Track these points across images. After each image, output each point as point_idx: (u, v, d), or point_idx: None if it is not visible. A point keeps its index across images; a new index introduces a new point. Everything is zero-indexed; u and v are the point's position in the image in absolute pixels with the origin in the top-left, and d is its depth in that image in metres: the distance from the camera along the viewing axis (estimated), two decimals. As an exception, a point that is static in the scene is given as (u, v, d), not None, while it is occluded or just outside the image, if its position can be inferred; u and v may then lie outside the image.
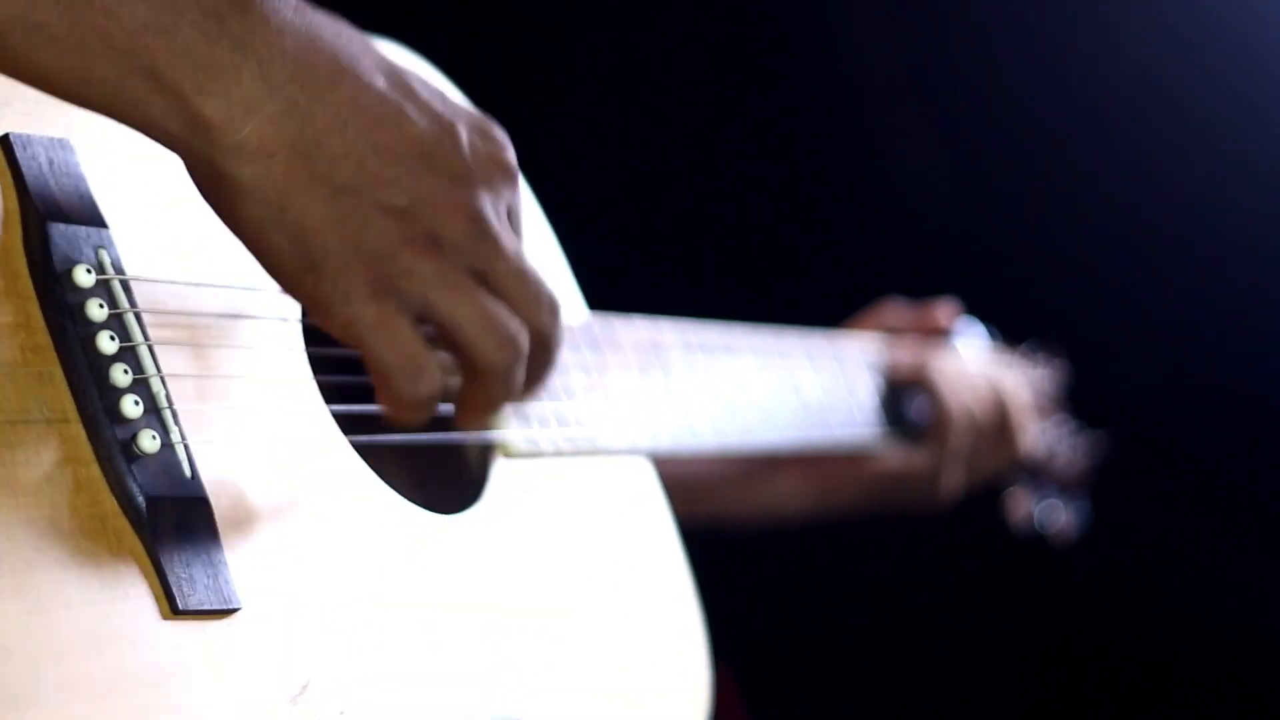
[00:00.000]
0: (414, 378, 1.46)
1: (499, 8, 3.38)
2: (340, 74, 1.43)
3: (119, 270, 1.44)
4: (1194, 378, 3.55)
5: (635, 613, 1.86)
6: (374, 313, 1.44)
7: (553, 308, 1.53)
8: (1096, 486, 2.97)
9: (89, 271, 1.41)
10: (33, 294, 1.39)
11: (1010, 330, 2.90)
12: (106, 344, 1.40)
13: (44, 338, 1.38)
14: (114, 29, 1.35)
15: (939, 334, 2.70)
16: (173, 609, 1.37)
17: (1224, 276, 3.49)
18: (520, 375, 1.53)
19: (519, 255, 1.51)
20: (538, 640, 1.70)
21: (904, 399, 2.56)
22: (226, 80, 1.38)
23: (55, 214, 1.41)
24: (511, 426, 1.77)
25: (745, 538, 2.75)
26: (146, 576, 1.37)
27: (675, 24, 3.50)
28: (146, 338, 1.43)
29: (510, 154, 1.53)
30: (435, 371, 1.47)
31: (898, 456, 2.56)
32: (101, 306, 1.41)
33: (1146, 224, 3.52)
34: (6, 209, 1.40)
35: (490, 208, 1.49)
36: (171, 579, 1.38)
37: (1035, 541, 2.94)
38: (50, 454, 1.35)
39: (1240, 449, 3.51)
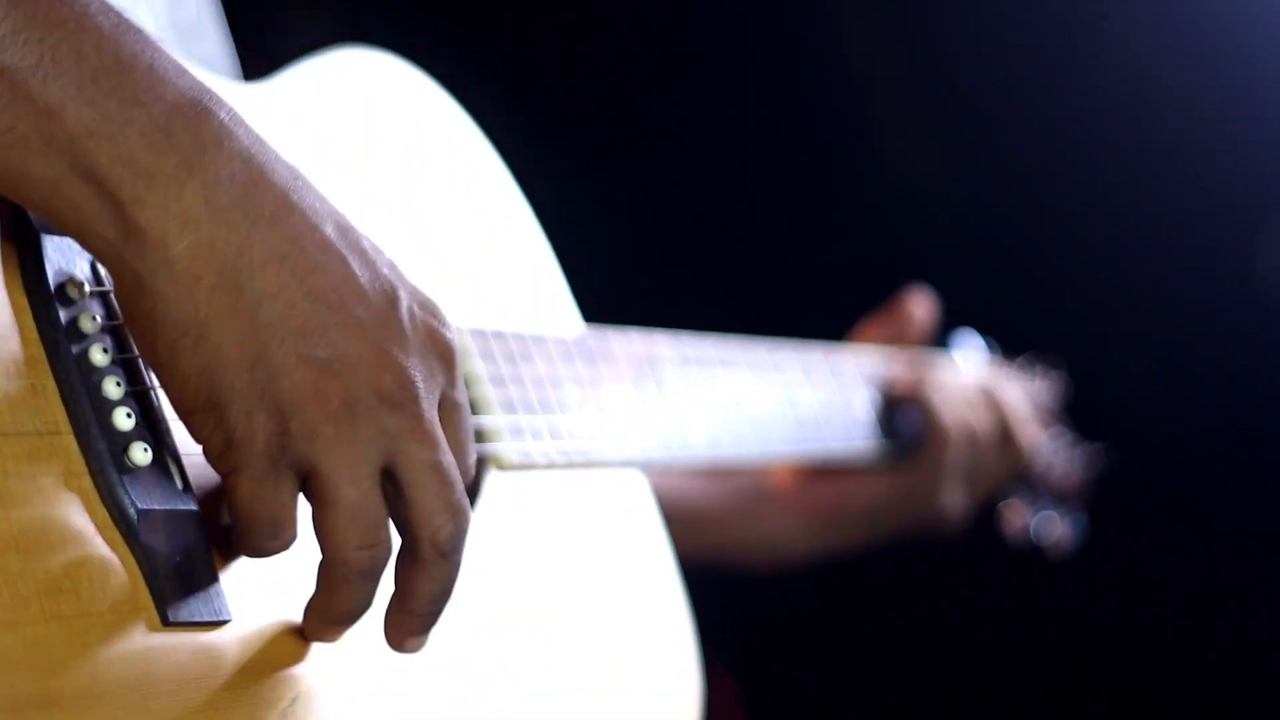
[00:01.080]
0: (269, 538, 1.41)
1: (496, 13, 3.38)
2: (288, 210, 1.38)
3: (112, 283, 1.44)
4: (1192, 390, 3.55)
5: (628, 622, 1.87)
6: (263, 467, 1.38)
7: (457, 515, 1.44)
8: (1094, 499, 2.97)
9: (82, 284, 1.42)
10: (25, 306, 1.39)
11: (1008, 342, 2.90)
12: (99, 356, 1.40)
13: (36, 350, 1.38)
14: (56, 129, 1.32)
15: (920, 331, 2.69)
16: (163, 621, 1.37)
17: (1223, 289, 3.49)
18: (370, 590, 1.44)
19: (439, 446, 1.42)
20: (531, 650, 1.71)
21: (899, 414, 2.55)
22: (167, 194, 1.34)
23: (48, 225, 1.41)
24: (504, 440, 1.77)
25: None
26: (137, 588, 1.37)
27: (673, 33, 3.50)
28: (139, 350, 1.43)
29: (451, 335, 1.46)
30: (292, 534, 1.41)
31: (891, 480, 2.54)
32: (94, 319, 1.41)
33: (1146, 237, 3.52)
34: None
35: (421, 381, 1.41)
36: (162, 591, 1.38)
37: (1032, 554, 2.94)
38: (42, 466, 1.35)
39: (1238, 461, 3.51)
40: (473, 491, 1.76)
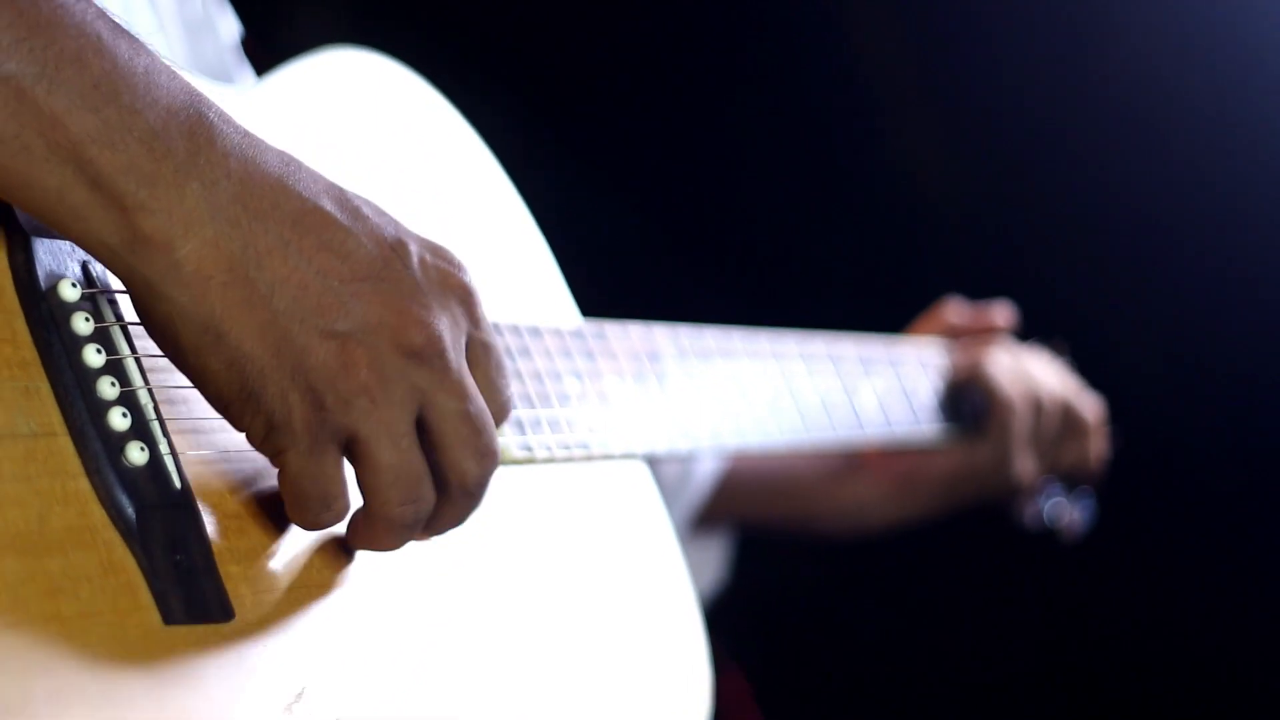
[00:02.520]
0: (322, 510, 1.45)
1: (485, 6, 3.38)
2: (284, 195, 1.41)
3: (104, 284, 1.44)
4: (1199, 376, 3.54)
5: (636, 615, 1.86)
6: (307, 444, 1.42)
7: (486, 456, 1.49)
8: (1103, 484, 2.97)
9: (74, 285, 1.42)
10: (18, 308, 1.39)
11: (1017, 328, 2.91)
12: (93, 357, 1.40)
13: (30, 352, 1.38)
14: (61, 137, 1.34)
15: (996, 333, 2.77)
16: (164, 620, 1.37)
17: (1230, 276, 3.49)
18: (411, 536, 1.50)
19: (468, 393, 1.47)
20: (537, 645, 1.71)
21: (961, 396, 2.63)
22: (170, 198, 1.36)
23: (39, 228, 1.41)
24: (506, 434, 1.77)
25: (756, 541, 2.77)
26: (137, 588, 1.37)
27: (674, 25, 3.50)
28: (133, 350, 1.43)
29: (466, 277, 1.50)
30: (346, 502, 1.46)
31: (966, 452, 2.63)
32: (87, 320, 1.41)
33: (1151, 224, 3.52)
34: None
35: (445, 328, 1.46)
36: (162, 590, 1.38)
37: (1044, 539, 2.95)
38: (38, 467, 1.35)
39: (1245, 447, 3.51)
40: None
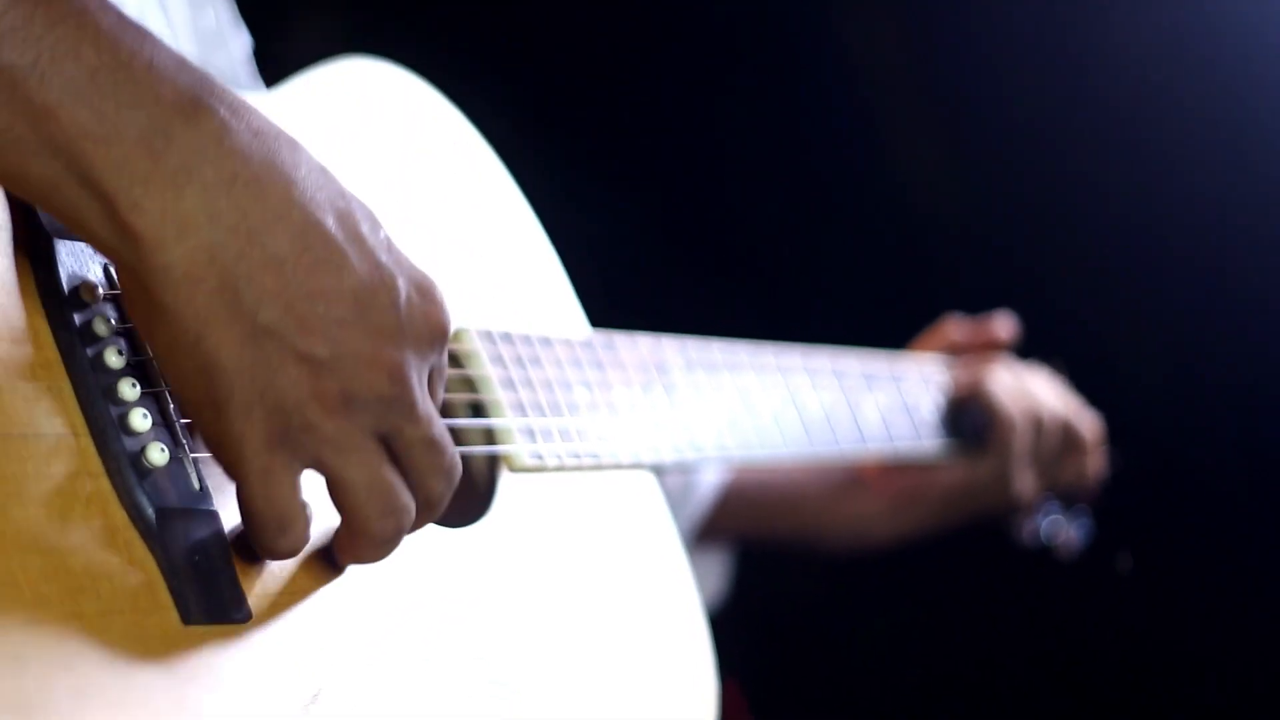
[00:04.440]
0: (279, 534, 1.43)
1: (497, 16, 3.39)
2: (289, 207, 1.38)
3: (126, 286, 1.44)
4: (1197, 393, 3.55)
5: (642, 623, 1.87)
6: (263, 462, 1.40)
7: (450, 475, 1.49)
8: (1099, 502, 2.98)
9: (96, 287, 1.43)
10: (41, 310, 1.40)
11: (1017, 344, 2.92)
12: (114, 359, 1.41)
13: (52, 353, 1.39)
14: (53, 130, 1.31)
15: (999, 347, 2.78)
16: (183, 619, 1.38)
17: (1230, 294, 3.50)
18: (395, 545, 1.49)
19: (430, 420, 1.46)
20: (546, 650, 1.71)
21: (963, 413, 2.65)
22: (165, 198, 1.34)
23: (61, 230, 1.42)
24: (517, 442, 1.78)
25: (753, 552, 2.78)
26: (157, 588, 1.38)
27: (679, 34, 3.51)
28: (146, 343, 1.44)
29: (446, 317, 1.48)
30: (303, 530, 1.44)
31: (966, 468, 2.64)
32: (109, 322, 1.42)
33: (1151, 241, 3.53)
34: (14, 226, 1.42)
35: (414, 370, 1.44)
36: (181, 590, 1.39)
37: (1040, 556, 2.96)
38: (60, 467, 1.36)
39: (1243, 462, 3.51)
40: (488, 493, 1.77)
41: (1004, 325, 2.80)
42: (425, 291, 1.46)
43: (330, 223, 1.40)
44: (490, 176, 1.99)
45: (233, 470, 1.41)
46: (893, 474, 2.67)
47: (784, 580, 3.29)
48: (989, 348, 2.77)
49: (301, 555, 1.49)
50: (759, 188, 3.58)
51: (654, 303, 3.24)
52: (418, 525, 1.50)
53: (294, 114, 1.77)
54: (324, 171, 1.43)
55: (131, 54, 1.34)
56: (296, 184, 1.39)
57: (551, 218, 2.03)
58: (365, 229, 1.43)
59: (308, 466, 1.42)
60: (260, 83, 1.97)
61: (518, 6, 3.39)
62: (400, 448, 1.45)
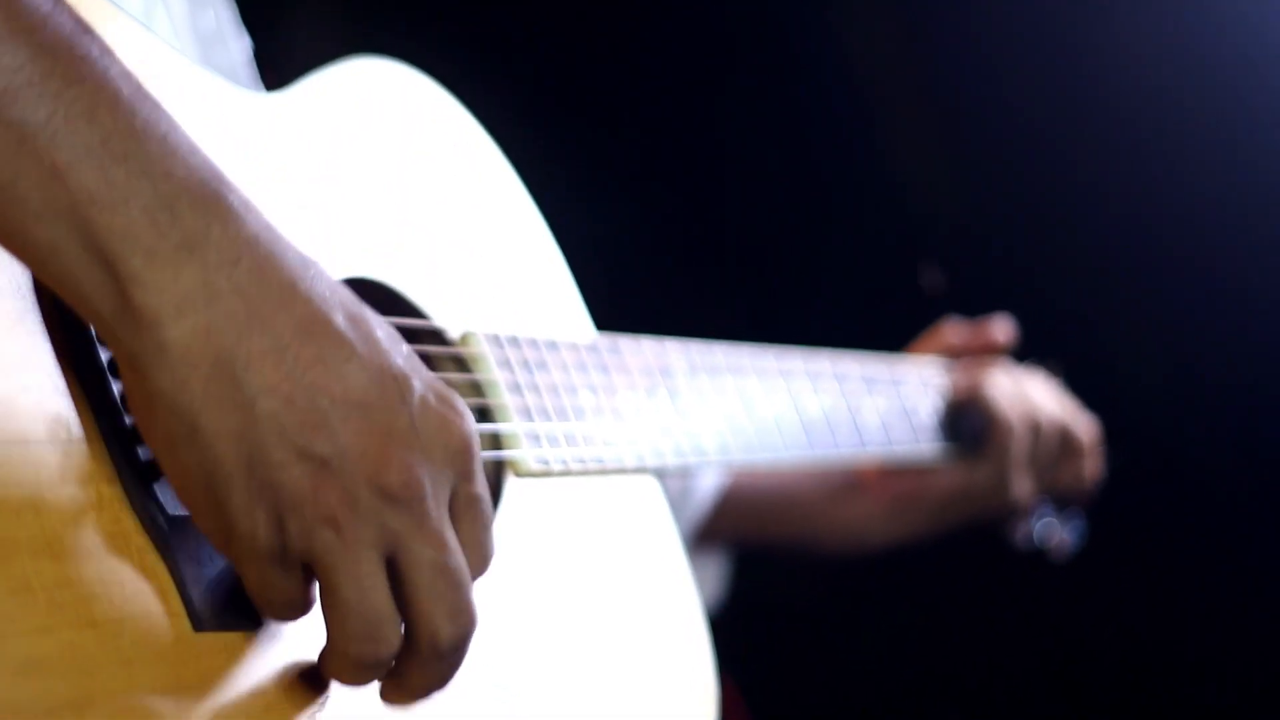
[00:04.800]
0: (288, 612, 1.39)
1: (502, 18, 3.38)
2: (293, 298, 1.33)
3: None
4: (1195, 395, 3.56)
5: (644, 627, 1.88)
6: (265, 560, 1.35)
7: (459, 618, 1.39)
8: (1093, 504, 2.99)
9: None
10: (56, 317, 1.39)
11: (1015, 347, 2.93)
12: (127, 364, 1.40)
13: (65, 356, 1.39)
14: (58, 191, 1.26)
15: (997, 350, 2.79)
16: (194, 627, 1.38)
17: (1228, 296, 3.50)
18: (372, 677, 1.41)
19: (444, 544, 1.37)
20: (548, 654, 1.72)
21: (961, 417, 2.65)
22: (165, 274, 1.29)
23: None
24: (523, 446, 1.78)
25: (751, 554, 2.78)
26: (168, 594, 1.37)
27: (690, 40, 3.51)
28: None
29: (468, 427, 1.39)
30: (309, 607, 1.39)
31: (964, 473, 2.66)
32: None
33: (1148, 241, 3.53)
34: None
35: (428, 480, 1.36)
36: (192, 597, 1.38)
37: (1034, 558, 2.97)
38: (73, 472, 1.35)
39: (1240, 463, 3.52)
40: (493, 498, 1.76)
41: (1002, 328, 2.81)
42: (445, 398, 1.39)
43: (339, 319, 1.35)
44: (499, 178, 1.99)
45: (238, 565, 1.37)
46: (890, 478, 2.68)
47: (781, 581, 3.30)
48: (987, 351, 2.78)
49: None
50: (760, 189, 3.58)
51: (657, 304, 3.25)
52: (425, 678, 1.42)
53: (303, 114, 1.77)
54: (335, 281, 1.38)
55: (147, 124, 1.30)
56: (304, 280, 1.34)
57: (556, 219, 2.03)
58: (379, 333, 1.37)
59: (306, 563, 1.37)
60: (260, 85, 1.96)
61: (520, 8, 3.39)
62: (406, 567, 1.37)
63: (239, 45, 1.96)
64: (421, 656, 1.40)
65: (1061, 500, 2.96)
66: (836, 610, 3.59)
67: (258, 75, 1.99)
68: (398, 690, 1.43)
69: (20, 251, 1.30)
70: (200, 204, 1.31)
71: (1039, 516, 2.96)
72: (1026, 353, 2.91)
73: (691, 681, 1.91)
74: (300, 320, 1.33)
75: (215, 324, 1.30)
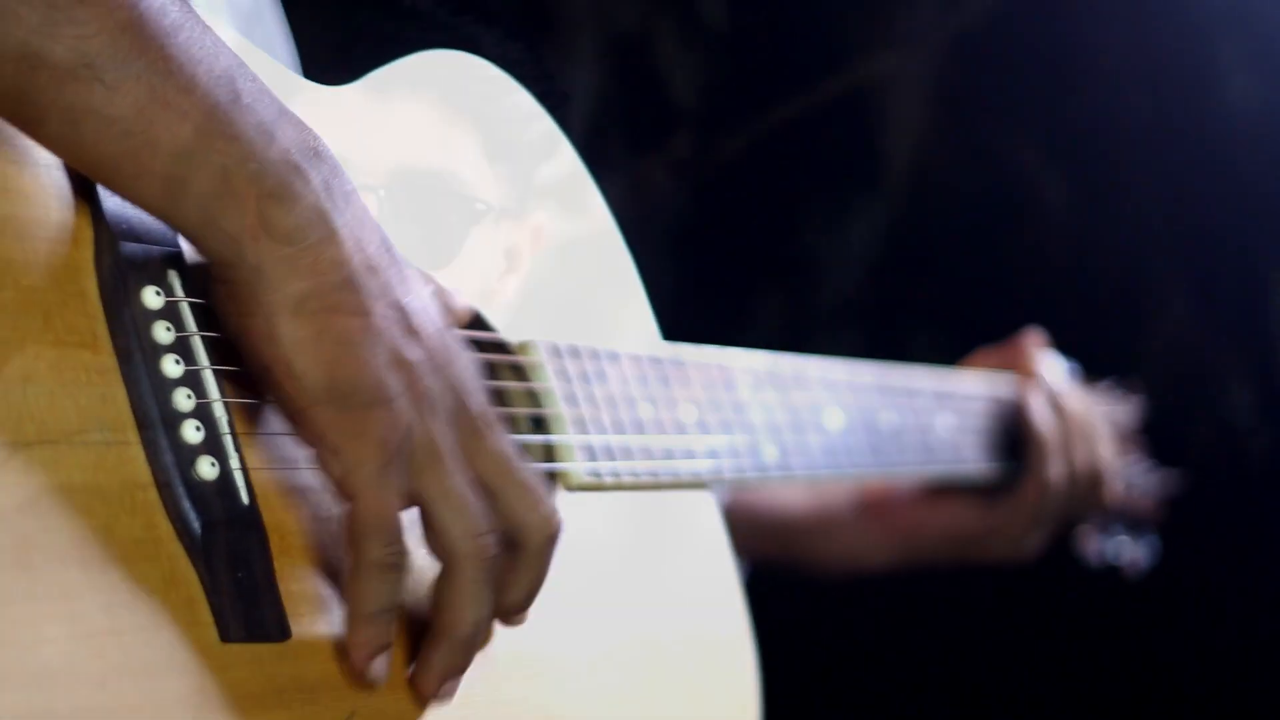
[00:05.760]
0: (385, 543, 1.44)
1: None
2: (374, 229, 1.45)
3: (188, 293, 1.43)
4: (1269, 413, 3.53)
5: (693, 645, 1.86)
6: (377, 467, 1.42)
7: (542, 507, 1.52)
8: (1167, 523, 2.97)
9: (158, 293, 1.40)
10: (100, 313, 1.38)
11: (1090, 364, 2.89)
12: (171, 368, 1.39)
13: (109, 359, 1.37)
14: (223, 145, 1.37)
15: (1030, 371, 2.71)
16: (221, 637, 1.36)
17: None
18: (490, 588, 1.50)
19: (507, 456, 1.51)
20: (595, 665, 1.71)
21: (1009, 447, 2.60)
22: (291, 196, 1.39)
23: (127, 233, 1.40)
24: (575, 459, 1.76)
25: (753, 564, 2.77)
26: (198, 603, 1.36)
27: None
28: (211, 363, 1.42)
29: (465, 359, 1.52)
30: (402, 544, 1.44)
31: (981, 513, 2.60)
32: (169, 330, 1.40)
33: (1227, 264, 3.50)
34: (78, 226, 1.40)
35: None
36: (222, 607, 1.37)
37: (1106, 576, 2.95)
38: (108, 476, 1.34)
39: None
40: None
41: (1032, 340, 2.74)
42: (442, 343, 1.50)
43: (386, 301, 1.45)
44: (573, 180, 1.96)
45: (346, 478, 1.42)
46: (896, 509, 2.62)
47: (784, 585, 3.27)
48: (1024, 372, 2.70)
49: (348, 573, 1.47)
50: (828, 202, 3.55)
51: (724, 313, 3.23)
52: (525, 582, 1.53)
53: (375, 106, 1.74)
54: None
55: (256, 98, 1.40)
56: (385, 265, 1.47)
57: (627, 226, 2.01)
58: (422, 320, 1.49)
59: (407, 490, 1.45)
60: (297, 65, 1.94)
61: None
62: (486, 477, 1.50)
63: (277, 22, 1.94)
64: (527, 552, 1.51)
65: (1133, 522, 2.94)
66: (839, 612, 3.57)
67: (296, 51, 1.96)
68: (512, 589, 1.52)
69: (151, 193, 1.37)
70: (314, 153, 1.41)
71: (1111, 534, 2.93)
72: (1102, 370, 2.88)
73: (737, 691, 1.89)
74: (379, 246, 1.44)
75: (339, 236, 1.40)
